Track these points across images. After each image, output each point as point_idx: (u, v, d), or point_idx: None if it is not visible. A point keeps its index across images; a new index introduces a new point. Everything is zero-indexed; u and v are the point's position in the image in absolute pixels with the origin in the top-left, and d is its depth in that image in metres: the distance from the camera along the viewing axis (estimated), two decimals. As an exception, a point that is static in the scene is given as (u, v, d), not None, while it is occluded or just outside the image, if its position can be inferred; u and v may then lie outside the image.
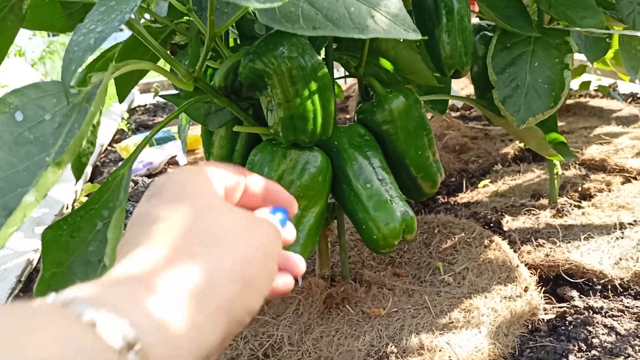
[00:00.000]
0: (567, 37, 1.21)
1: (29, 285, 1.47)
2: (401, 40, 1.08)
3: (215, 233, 0.38)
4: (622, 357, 0.94)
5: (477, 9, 1.50)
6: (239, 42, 1.11)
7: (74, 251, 0.78)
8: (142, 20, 1.11)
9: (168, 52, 1.13)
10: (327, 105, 0.90)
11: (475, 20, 1.74)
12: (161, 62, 0.91)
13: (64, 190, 2.06)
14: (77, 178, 1.03)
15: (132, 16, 0.76)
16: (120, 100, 1.19)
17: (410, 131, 1.05)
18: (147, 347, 0.30)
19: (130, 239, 0.38)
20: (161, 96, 0.97)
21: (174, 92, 1.12)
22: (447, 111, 2.88)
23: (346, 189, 1.00)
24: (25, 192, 0.58)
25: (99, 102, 0.58)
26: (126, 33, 0.98)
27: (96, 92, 0.60)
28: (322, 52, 1.10)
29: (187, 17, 1.00)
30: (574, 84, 2.96)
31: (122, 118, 3.45)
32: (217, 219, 0.39)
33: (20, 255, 1.57)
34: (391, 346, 0.99)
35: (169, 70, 0.88)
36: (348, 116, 3.07)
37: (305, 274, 1.29)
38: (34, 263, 1.59)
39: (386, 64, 1.09)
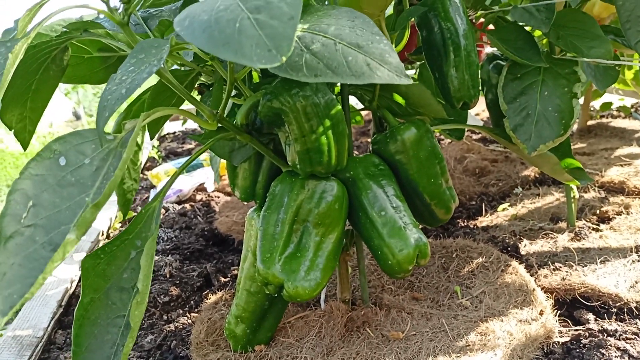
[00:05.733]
0: (575, 67, 1.25)
1: (69, 310, 1.56)
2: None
3: None
4: (636, 379, 0.96)
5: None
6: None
7: (110, 278, 0.84)
8: (173, 66, 1.20)
9: (196, 91, 1.22)
10: (340, 138, 0.96)
11: (489, 49, 1.79)
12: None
13: (100, 219, 2.17)
14: (124, 214, 1.11)
15: (162, 65, 0.84)
16: (152, 137, 1.28)
17: (423, 160, 1.11)
18: None
19: None
20: (189, 136, 1.04)
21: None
22: (467, 134, 2.92)
23: (362, 217, 1.06)
24: (68, 230, 0.65)
25: (132, 147, 0.65)
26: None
27: (129, 138, 0.68)
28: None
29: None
30: (596, 105, 2.97)
31: (153, 146, 3.58)
32: None
33: (61, 282, 1.67)
34: (408, 368, 1.03)
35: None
36: (369, 140, 3.13)
37: (327, 298, 1.34)
38: (74, 288, 1.68)
39: (398, 98, 1.15)
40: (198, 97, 1.23)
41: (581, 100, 2.73)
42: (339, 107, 0.96)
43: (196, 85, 1.21)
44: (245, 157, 1.08)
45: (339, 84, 1.17)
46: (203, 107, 0.89)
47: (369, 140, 3.11)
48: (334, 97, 0.95)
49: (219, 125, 0.97)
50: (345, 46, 0.69)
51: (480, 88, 1.17)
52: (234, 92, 1.23)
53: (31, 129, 1.02)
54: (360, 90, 1.17)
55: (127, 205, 0.95)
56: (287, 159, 1.00)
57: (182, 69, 1.14)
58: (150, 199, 2.43)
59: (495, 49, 1.50)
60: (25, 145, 1.03)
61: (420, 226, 1.78)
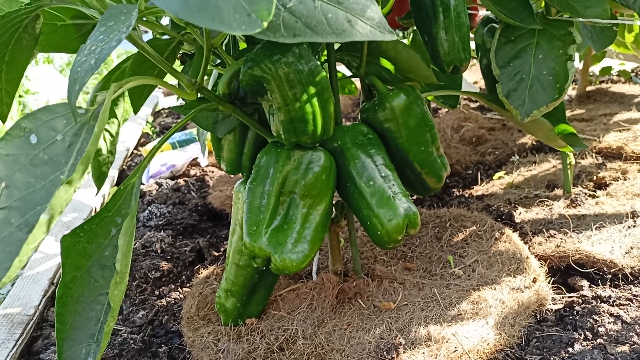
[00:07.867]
0: (570, 28, 1.21)
1: (59, 287, 1.54)
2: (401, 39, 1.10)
3: None
4: (628, 344, 0.95)
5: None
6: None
7: (91, 256, 0.83)
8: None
9: (178, 61, 1.18)
10: (326, 106, 0.93)
11: (483, 12, 1.74)
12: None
13: (92, 195, 2.15)
14: (98, 187, 1.09)
15: (137, 32, 0.81)
16: (135, 112, 1.24)
17: (412, 128, 1.08)
18: None
19: None
20: (169, 108, 1.01)
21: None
22: (465, 103, 2.87)
23: (350, 187, 1.03)
24: (44, 210, 0.63)
25: (103, 121, 0.62)
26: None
27: (101, 111, 0.65)
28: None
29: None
30: (596, 70, 2.91)
31: (147, 122, 3.54)
32: None
33: (52, 258, 1.65)
34: (399, 338, 1.02)
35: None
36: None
37: (319, 271, 1.33)
38: (64, 265, 1.66)
39: (387, 63, 1.11)
40: (181, 68, 1.19)
41: (580, 66, 2.67)
42: (324, 73, 0.92)
43: (179, 55, 1.18)
44: (229, 129, 1.05)
45: (325, 53, 1.13)
46: (181, 76, 0.85)
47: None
48: (319, 63, 0.92)
49: (201, 95, 0.94)
50: (324, 2, 0.65)
51: (471, 51, 1.13)
52: (219, 61, 1.19)
53: (8, 101, 1.00)
54: (348, 56, 1.13)
55: (102, 179, 0.92)
56: (272, 129, 0.97)
57: (163, 38, 1.10)
58: (143, 176, 2.40)
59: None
60: (3, 118, 1.00)
61: (414, 197, 1.76)
